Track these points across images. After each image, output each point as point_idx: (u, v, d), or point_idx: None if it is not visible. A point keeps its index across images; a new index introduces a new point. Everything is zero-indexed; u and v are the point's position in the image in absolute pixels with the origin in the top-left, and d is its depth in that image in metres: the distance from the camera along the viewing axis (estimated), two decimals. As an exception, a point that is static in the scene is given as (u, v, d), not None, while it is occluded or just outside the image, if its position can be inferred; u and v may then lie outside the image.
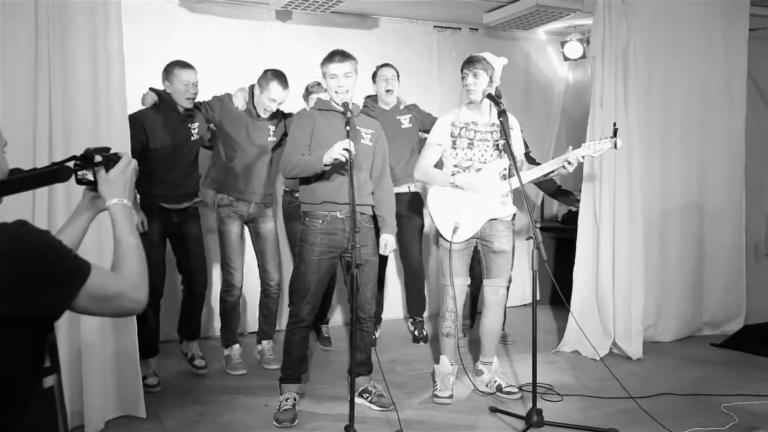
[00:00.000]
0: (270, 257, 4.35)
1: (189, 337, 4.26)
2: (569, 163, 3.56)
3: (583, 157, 3.68)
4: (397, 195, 4.51)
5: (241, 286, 4.34)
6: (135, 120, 3.72)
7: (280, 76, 4.02)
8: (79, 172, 1.65)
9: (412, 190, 4.79)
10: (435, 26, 5.87)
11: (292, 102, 4.50)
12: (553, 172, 3.70)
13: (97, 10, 3.30)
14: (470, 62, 3.63)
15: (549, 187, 5.04)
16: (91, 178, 1.64)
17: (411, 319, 5.15)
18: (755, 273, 5.56)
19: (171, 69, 3.98)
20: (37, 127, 3.18)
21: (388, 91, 4.74)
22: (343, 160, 3.17)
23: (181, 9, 5.02)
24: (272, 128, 4.29)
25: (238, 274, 4.29)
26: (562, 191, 5.08)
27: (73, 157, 1.64)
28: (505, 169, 3.69)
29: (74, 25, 3.26)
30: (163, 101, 3.96)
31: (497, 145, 3.66)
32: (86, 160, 1.64)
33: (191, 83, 3.97)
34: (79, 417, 3.26)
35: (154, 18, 4.86)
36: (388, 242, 3.59)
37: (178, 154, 4.00)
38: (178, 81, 3.94)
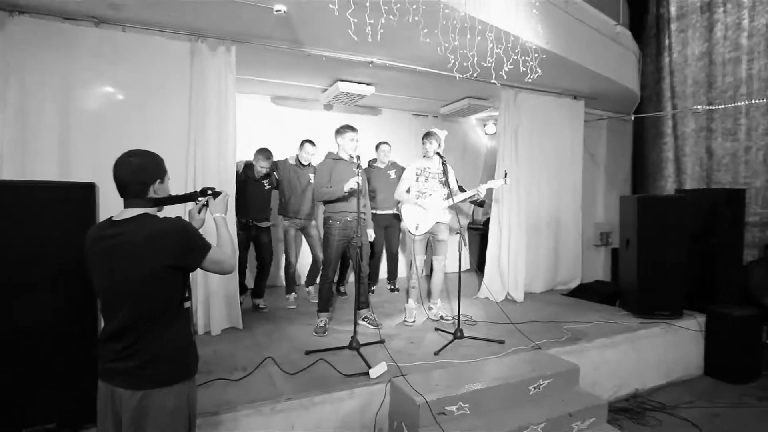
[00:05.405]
0: (316, 248, 4.20)
1: (257, 295, 4.05)
2: (479, 192, 3.59)
3: (488, 189, 3.68)
4: (384, 215, 4.49)
5: (296, 263, 4.26)
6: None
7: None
8: (200, 198, 1.73)
9: (393, 212, 4.53)
10: (413, 114, 5.86)
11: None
12: (473, 196, 3.67)
13: (221, 96, 3.32)
14: (427, 135, 3.64)
15: (474, 201, 4.94)
16: (205, 203, 1.73)
17: (388, 281, 4.97)
18: (587, 256, 5.56)
19: (257, 156, 3.89)
20: (186, 166, 3.23)
21: (385, 157, 4.61)
22: (356, 187, 3.16)
23: (272, 104, 5.03)
24: (311, 174, 4.12)
25: (292, 257, 4.18)
26: (481, 203, 5.06)
27: (195, 192, 1.73)
28: (446, 195, 3.62)
29: (208, 103, 3.27)
30: (247, 169, 3.91)
31: (440, 181, 3.62)
32: (203, 192, 1.73)
33: (263, 168, 3.89)
34: (205, 327, 3.30)
35: (249, 110, 4.75)
36: (371, 233, 3.60)
37: (257, 199, 3.94)
38: (257, 164, 3.87)
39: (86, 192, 2.01)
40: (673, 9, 5.41)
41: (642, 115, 5.61)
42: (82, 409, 1.96)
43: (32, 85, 2.87)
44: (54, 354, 1.95)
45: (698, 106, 5.10)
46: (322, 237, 3.60)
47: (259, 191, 3.96)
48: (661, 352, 3.63)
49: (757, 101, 4.62)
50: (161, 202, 1.56)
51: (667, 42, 5.45)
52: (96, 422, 1.54)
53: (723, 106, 4.92)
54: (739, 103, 4.77)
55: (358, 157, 3.36)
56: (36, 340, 1.92)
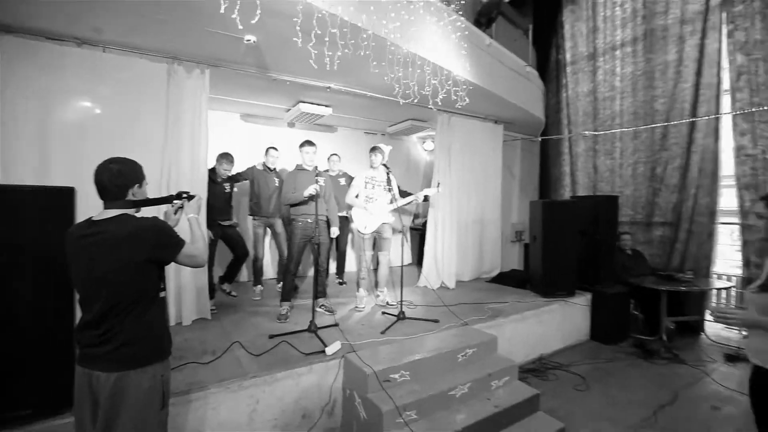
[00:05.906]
0: (281, 244, 4.13)
1: (229, 280, 3.92)
2: (418, 197, 3.72)
3: (425, 196, 3.81)
4: (339, 217, 4.40)
5: (263, 257, 4.18)
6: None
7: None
8: (176, 201, 1.69)
9: (343, 214, 4.52)
10: (365, 132, 5.87)
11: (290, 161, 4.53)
12: (412, 201, 3.79)
13: (195, 113, 3.22)
14: (373, 149, 3.67)
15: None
16: (180, 205, 1.69)
17: (337, 275, 4.85)
18: (505, 250, 5.84)
19: (220, 160, 3.70)
20: (162, 174, 3.09)
21: (335, 166, 4.63)
22: (314, 193, 3.19)
23: (241, 121, 4.86)
24: (276, 179, 4.14)
25: (260, 252, 4.11)
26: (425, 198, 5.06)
27: (171, 195, 1.68)
28: (390, 200, 3.68)
29: (183, 119, 3.17)
30: (210, 172, 3.66)
31: (385, 188, 3.66)
32: (179, 196, 1.70)
33: (226, 171, 3.72)
34: (176, 317, 3.17)
35: (220, 126, 4.65)
36: (335, 231, 3.54)
37: (219, 200, 3.69)
38: (220, 167, 3.70)
39: (66, 195, 1.90)
40: (568, 56, 5.94)
41: (546, 138, 6.09)
42: (58, 395, 1.84)
43: (12, 97, 2.64)
44: (29, 343, 1.81)
45: (586, 132, 5.65)
46: (285, 234, 3.55)
47: (221, 193, 3.75)
48: (559, 323, 3.97)
49: (626, 129, 5.20)
50: (140, 204, 1.53)
51: (564, 81, 5.97)
52: (72, 407, 1.47)
53: (603, 132, 5.48)
54: (614, 131, 5.34)
55: (316, 168, 3.39)
56: (12, 331, 1.78)
